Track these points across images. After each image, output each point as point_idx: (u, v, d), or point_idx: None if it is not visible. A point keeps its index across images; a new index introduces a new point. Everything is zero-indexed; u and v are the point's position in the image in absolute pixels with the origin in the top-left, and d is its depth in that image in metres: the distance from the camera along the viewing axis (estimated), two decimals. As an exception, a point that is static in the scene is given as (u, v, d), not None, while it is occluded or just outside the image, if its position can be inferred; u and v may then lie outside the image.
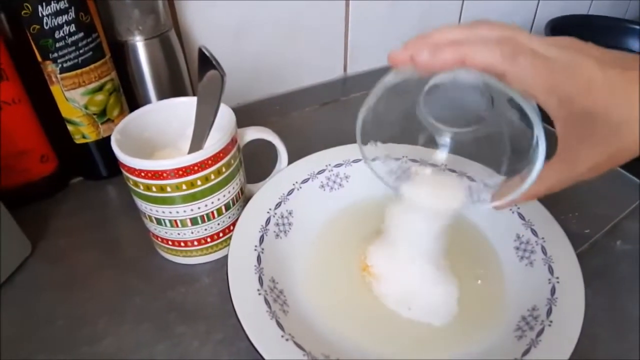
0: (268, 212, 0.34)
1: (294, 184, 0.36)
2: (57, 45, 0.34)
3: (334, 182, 0.37)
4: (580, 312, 0.27)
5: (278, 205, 0.34)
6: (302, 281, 0.31)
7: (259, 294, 0.28)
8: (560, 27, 0.57)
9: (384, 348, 0.28)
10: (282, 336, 0.26)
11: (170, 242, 0.33)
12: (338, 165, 0.38)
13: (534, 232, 0.32)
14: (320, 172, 0.37)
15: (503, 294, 0.31)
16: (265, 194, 0.35)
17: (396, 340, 0.28)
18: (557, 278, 0.29)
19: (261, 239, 0.32)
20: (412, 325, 0.29)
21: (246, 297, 0.28)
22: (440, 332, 0.29)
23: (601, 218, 0.39)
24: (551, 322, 0.27)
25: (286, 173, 0.36)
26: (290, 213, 0.34)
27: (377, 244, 0.33)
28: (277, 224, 0.33)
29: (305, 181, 0.36)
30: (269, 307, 0.27)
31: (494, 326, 0.29)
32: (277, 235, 0.33)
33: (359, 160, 0.38)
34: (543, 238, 0.32)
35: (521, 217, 0.33)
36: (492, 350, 0.27)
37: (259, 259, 0.30)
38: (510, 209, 0.34)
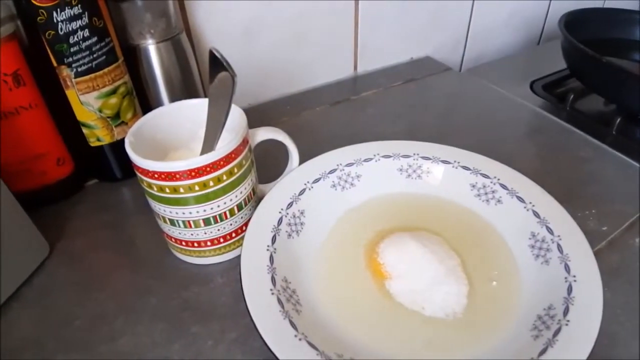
0: (280, 212, 0.34)
1: (305, 184, 0.36)
2: (72, 50, 0.35)
3: (345, 181, 0.37)
4: (598, 311, 0.26)
5: (290, 205, 0.34)
6: (314, 280, 0.31)
7: (272, 294, 0.28)
8: (574, 21, 0.56)
9: (397, 347, 0.28)
10: (296, 336, 0.26)
11: (183, 243, 0.34)
12: (349, 165, 0.37)
13: (550, 230, 0.32)
14: (331, 172, 0.37)
15: (518, 293, 0.30)
16: (277, 194, 0.35)
17: (410, 339, 0.28)
18: (574, 277, 0.28)
19: (273, 239, 0.32)
20: (426, 323, 0.29)
21: (259, 297, 0.28)
22: (455, 332, 0.29)
23: (619, 215, 0.38)
24: (568, 321, 0.26)
25: (297, 173, 0.36)
26: (302, 213, 0.34)
27: (388, 242, 0.33)
28: (289, 224, 0.33)
29: (316, 181, 0.36)
30: (282, 306, 0.27)
31: (509, 325, 0.28)
32: (290, 235, 0.33)
33: (370, 159, 0.38)
34: (559, 236, 0.31)
35: (536, 214, 0.33)
36: (508, 350, 0.27)
37: (271, 258, 0.30)
38: (525, 207, 0.34)
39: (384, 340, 0.28)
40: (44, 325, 0.31)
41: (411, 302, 0.30)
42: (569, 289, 0.28)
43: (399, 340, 0.28)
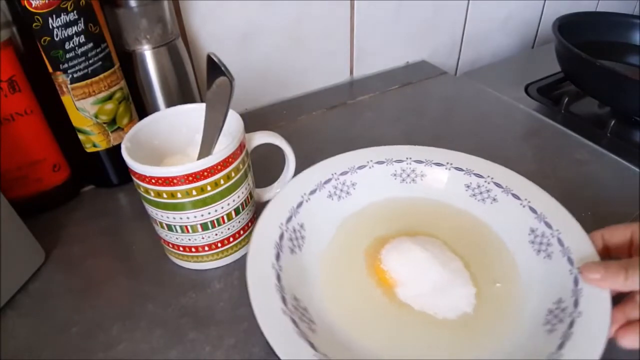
0: (280, 227, 0.33)
1: (302, 196, 0.35)
2: (68, 56, 0.35)
3: (341, 190, 0.37)
4: (606, 299, 0.26)
5: (289, 219, 0.33)
6: (322, 295, 0.31)
7: (285, 314, 0.27)
8: (568, 25, 0.56)
9: (418, 353, 0.27)
10: (315, 355, 0.25)
11: (181, 248, 0.33)
12: (344, 173, 0.37)
13: (548, 225, 0.32)
14: (327, 182, 0.36)
15: (525, 288, 0.30)
16: (275, 208, 0.34)
17: (429, 344, 0.28)
18: (579, 269, 0.29)
19: (277, 256, 0.31)
20: (441, 327, 0.29)
21: (273, 319, 0.27)
22: (471, 332, 0.28)
23: (615, 217, 0.38)
24: (580, 312, 0.26)
25: (293, 185, 0.36)
26: (302, 226, 0.34)
27: (390, 248, 0.33)
28: (291, 239, 0.33)
29: (313, 192, 0.36)
30: (297, 326, 0.26)
31: (521, 322, 0.28)
32: (292, 250, 0.32)
33: (364, 166, 0.38)
34: (558, 230, 0.31)
35: (533, 210, 0.33)
36: (525, 346, 0.27)
37: (278, 277, 0.29)
38: (521, 203, 0.34)
39: (404, 350, 0.28)
40: (40, 333, 0.31)
41: (421, 307, 0.29)
42: (575, 281, 0.28)
43: (419, 348, 0.28)
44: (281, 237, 0.32)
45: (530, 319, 0.28)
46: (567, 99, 0.55)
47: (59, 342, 0.30)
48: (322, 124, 0.54)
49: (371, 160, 0.38)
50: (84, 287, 0.34)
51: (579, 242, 0.30)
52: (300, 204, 0.35)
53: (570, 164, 0.45)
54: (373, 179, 0.37)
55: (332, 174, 0.37)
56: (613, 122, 0.50)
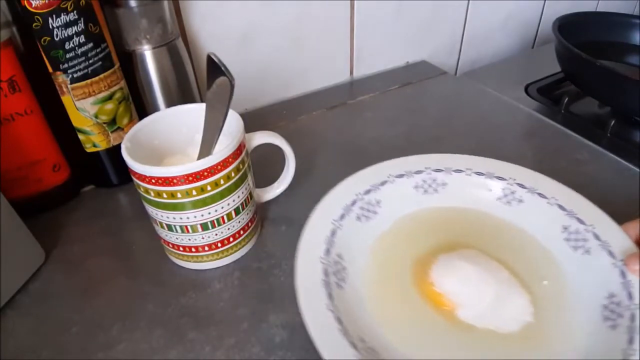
0: (322, 262, 0.30)
1: (333, 223, 0.33)
2: (68, 56, 0.35)
3: (368, 210, 0.35)
4: None
5: (327, 251, 0.31)
6: (383, 330, 0.29)
7: None
8: (568, 25, 0.56)
9: None
10: None
11: (181, 248, 0.33)
12: (367, 192, 0.35)
13: (581, 221, 0.32)
14: (353, 204, 0.34)
15: (572, 287, 0.30)
16: (310, 240, 0.31)
17: (497, 356, 0.27)
18: (622, 260, 0.28)
19: (330, 296, 0.28)
20: (509, 341, 0.28)
21: None
22: (537, 341, 0.28)
23: (617, 217, 0.38)
24: (636, 304, 0.26)
25: (320, 213, 0.33)
26: (340, 257, 0.31)
27: (439, 269, 0.31)
28: (334, 273, 0.30)
29: (342, 217, 0.33)
30: None
31: (580, 323, 0.28)
32: (339, 285, 0.30)
33: (385, 181, 0.36)
34: (592, 225, 0.31)
35: (562, 208, 0.33)
36: (592, 347, 0.26)
37: (339, 320, 0.27)
38: (548, 202, 0.33)
39: None
40: (40, 333, 0.31)
41: (484, 325, 0.29)
42: (622, 274, 0.28)
43: None
44: (326, 273, 0.29)
45: (588, 318, 0.28)
46: (567, 99, 0.55)
47: (59, 342, 0.30)
48: (322, 124, 0.54)
49: (391, 175, 0.36)
50: (84, 287, 0.34)
51: (615, 235, 0.30)
52: (334, 232, 0.32)
53: (570, 164, 0.45)
54: (396, 194, 0.36)
55: (356, 195, 0.35)
56: (613, 122, 0.50)
